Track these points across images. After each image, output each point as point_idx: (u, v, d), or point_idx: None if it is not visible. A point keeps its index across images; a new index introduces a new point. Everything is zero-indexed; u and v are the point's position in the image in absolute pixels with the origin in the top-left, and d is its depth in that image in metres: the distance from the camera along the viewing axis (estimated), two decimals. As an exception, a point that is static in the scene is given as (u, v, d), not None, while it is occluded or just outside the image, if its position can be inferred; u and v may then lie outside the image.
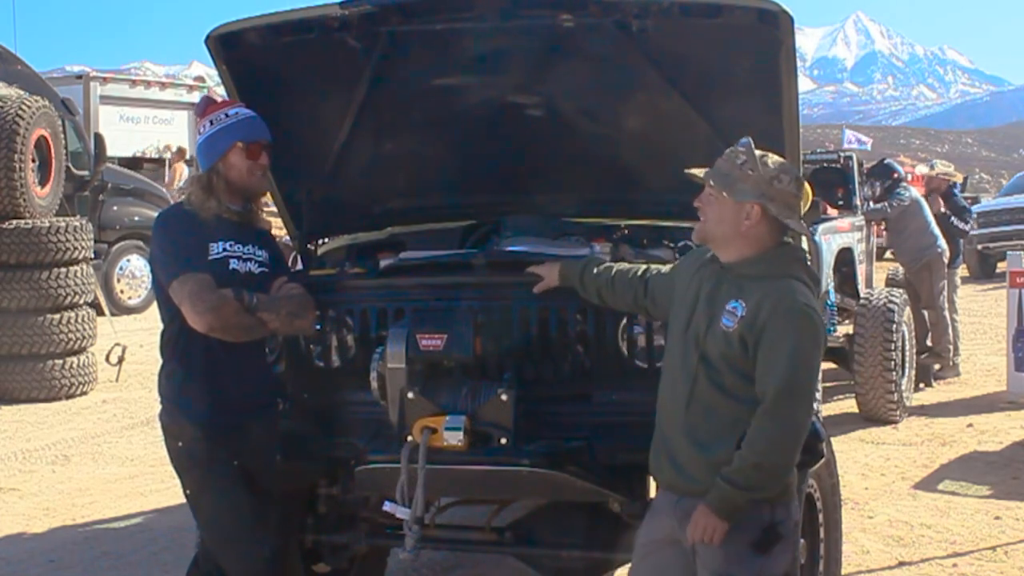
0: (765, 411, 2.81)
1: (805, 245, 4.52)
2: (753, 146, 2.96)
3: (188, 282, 3.28)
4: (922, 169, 12.07)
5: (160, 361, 3.52)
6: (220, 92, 4.08)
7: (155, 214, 14.93)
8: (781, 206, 2.91)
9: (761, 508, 2.89)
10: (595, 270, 3.40)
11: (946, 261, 9.27)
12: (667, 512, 3.03)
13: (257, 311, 3.36)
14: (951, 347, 9.48)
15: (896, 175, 9.58)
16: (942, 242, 9.29)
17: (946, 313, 9.34)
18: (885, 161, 10.22)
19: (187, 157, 17.20)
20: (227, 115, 3.49)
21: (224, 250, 3.41)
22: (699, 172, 3.00)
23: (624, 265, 3.43)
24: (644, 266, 3.39)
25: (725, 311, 2.90)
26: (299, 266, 4.46)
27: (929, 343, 9.50)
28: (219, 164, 3.45)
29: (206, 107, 3.56)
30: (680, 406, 2.97)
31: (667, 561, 3.04)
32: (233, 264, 3.42)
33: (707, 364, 2.92)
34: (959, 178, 10.66)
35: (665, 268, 3.32)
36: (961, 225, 9.84)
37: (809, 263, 3.08)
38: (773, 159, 2.97)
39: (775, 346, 2.81)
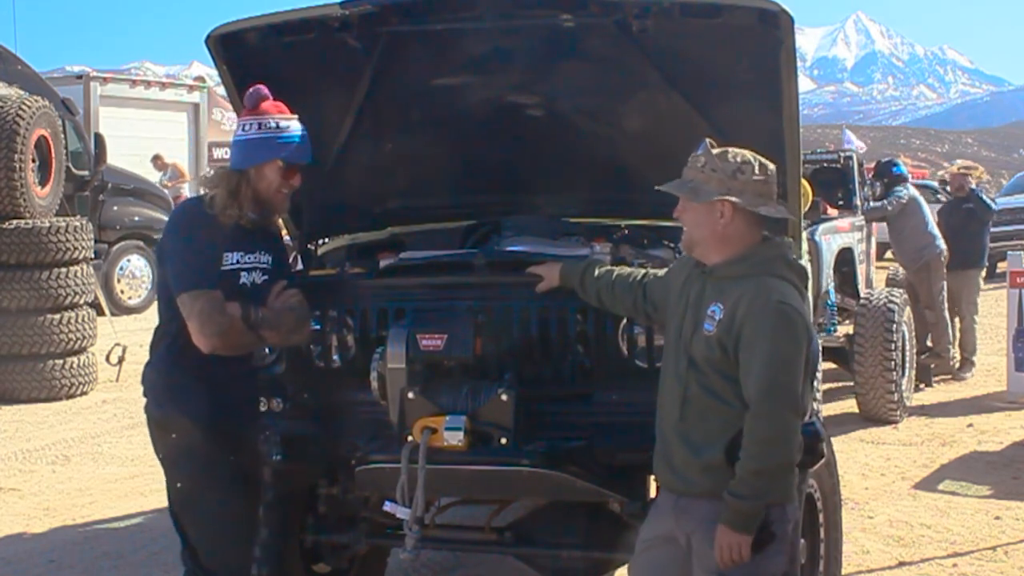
0: (752, 416, 2.81)
1: (805, 245, 4.53)
2: (711, 146, 2.97)
3: (200, 299, 3.22)
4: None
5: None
6: (220, 92, 4.05)
7: (155, 214, 14.84)
8: (750, 197, 2.92)
9: None
10: (596, 273, 3.40)
11: (944, 261, 9.27)
12: (667, 511, 3.04)
13: (260, 328, 3.32)
14: (950, 347, 9.50)
15: (897, 174, 9.58)
16: (940, 242, 9.29)
17: (946, 313, 9.35)
18: (887, 160, 10.22)
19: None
20: (278, 125, 3.37)
21: (236, 262, 3.35)
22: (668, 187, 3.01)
23: (625, 269, 3.43)
24: (643, 271, 3.39)
25: (706, 316, 2.92)
26: (299, 266, 4.46)
27: (929, 343, 9.50)
28: (251, 171, 3.35)
29: (259, 101, 3.42)
30: (674, 410, 2.98)
31: (664, 558, 3.05)
32: (243, 278, 3.36)
33: (696, 369, 2.93)
34: (982, 174, 10.57)
35: (661, 272, 3.32)
36: (989, 214, 9.79)
37: (794, 258, 3.04)
38: (734, 153, 2.96)
39: (752, 347, 2.81)
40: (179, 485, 3.41)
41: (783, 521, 2.94)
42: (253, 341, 3.37)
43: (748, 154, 2.96)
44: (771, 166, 2.97)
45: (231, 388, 3.39)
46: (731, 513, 2.83)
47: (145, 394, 3.46)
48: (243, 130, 3.40)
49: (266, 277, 3.44)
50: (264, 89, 3.44)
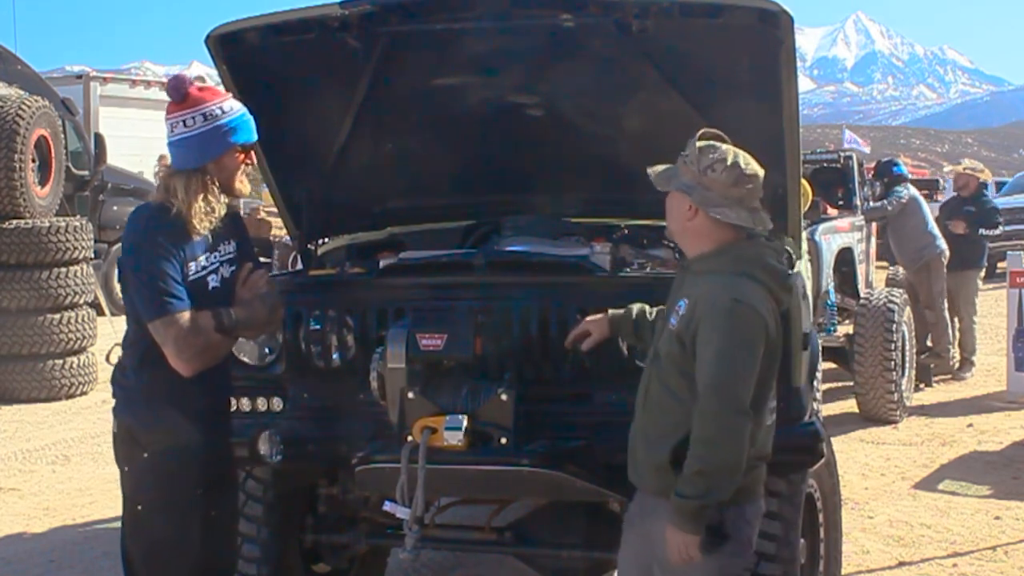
0: (696, 414, 2.78)
1: (805, 245, 4.52)
2: (698, 139, 2.95)
3: (172, 326, 3.05)
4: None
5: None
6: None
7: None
8: (717, 196, 2.87)
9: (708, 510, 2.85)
10: (648, 316, 3.26)
11: (944, 261, 9.26)
12: (637, 506, 3.06)
13: (235, 331, 3.24)
14: (950, 347, 9.50)
15: (897, 174, 9.57)
16: (941, 242, 9.29)
17: (946, 313, 9.35)
18: (887, 160, 10.22)
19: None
20: (223, 110, 3.17)
21: (202, 268, 3.18)
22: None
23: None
24: None
25: (674, 310, 2.91)
26: (299, 266, 4.47)
27: (929, 343, 9.50)
28: (210, 166, 3.17)
29: (185, 91, 3.17)
30: (639, 404, 3.00)
31: (637, 551, 3.06)
32: (212, 282, 3.21)
33: (658, 363, 2.93)
34: (988, 176, 10.52)
35: None
36: (990, 232, 9.75)
37: (774, 262, 2.96)
38: (715, 148, 2.91)
39: (703, 345, 2.79)
40: (139, 507, 3.22)
41: (741, 522, 2.90)
42: (229, 346, 3.28)
43: (730, 154, 2.90)
44: (751, 170, 2.89)
45: (212, 397, 3.29)
46: (674, 512, 2.81)
47: (116, 396, 3.28)
48: (186, 126, 3.16)
49: (234, 267, 3.31)
50: (184, 75, 3.23)
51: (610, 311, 3.34)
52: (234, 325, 3.21)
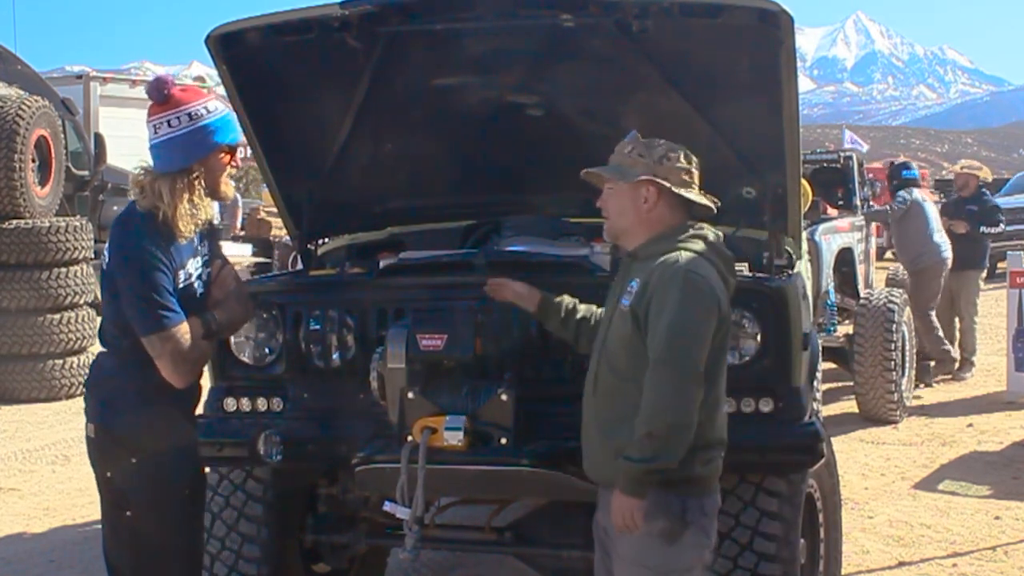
0: (648, 378, 2.82)
1: (805, 245, 4.52)
2: (639, 136, 3.05)
3: (169, 341, 3.03)
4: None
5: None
6: (220, 92, 3.99)
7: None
8: (676, 181, 2.98)
9: (669, 498, 2.88)
10: (579, 315, 3.32)
11: (945, 270, 9.22)
12: (600, 500, 3.06)
13: (220, 333, 3.26)
14: (948, 349, 9.49)
15: (905, 177, 9.54)
16: (945, 251, 9.18)
17: (933, 316, 9.32)
18: (900, 162, 10.20)
19: None
20: (208, 110, 3.16)
21: (190, 275, 3.19)
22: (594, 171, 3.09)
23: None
24: None
25: (625, 291, 2.96)
26: (299, 266, 4.47)
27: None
28: (196, 167, 3.15)
29: (168, 92, 3.16)
30: (588, 395, 3.02)
31: (600, 549, 3.10)
32: (196, 286, 3.22)
33: (607, 349, 2.98)
34: (987, 174, 10.53)
35: None
36: (992, 230, 9.78)
37: (722, 245, 3.01)
38: (660, 142, 3.03)
39: (656, 315, 2.83)
40: (128, 513, 3.17)
41: (699, 514, 2.92)
42: (214, 347, 3.31)
43: (673, 144, 3.04)
44: (695, 159, 3.03)
45: (196, 394, 3.32)
46: (623, 477, 2.84)
47: (94, 400, 3.23)
48: (170, 126, 3.13)
49: (209, 268, 3.32)
50: (165, 76, 3.21)
51: (543, 295, 3.35)
52: (219, 328, 3.24)
